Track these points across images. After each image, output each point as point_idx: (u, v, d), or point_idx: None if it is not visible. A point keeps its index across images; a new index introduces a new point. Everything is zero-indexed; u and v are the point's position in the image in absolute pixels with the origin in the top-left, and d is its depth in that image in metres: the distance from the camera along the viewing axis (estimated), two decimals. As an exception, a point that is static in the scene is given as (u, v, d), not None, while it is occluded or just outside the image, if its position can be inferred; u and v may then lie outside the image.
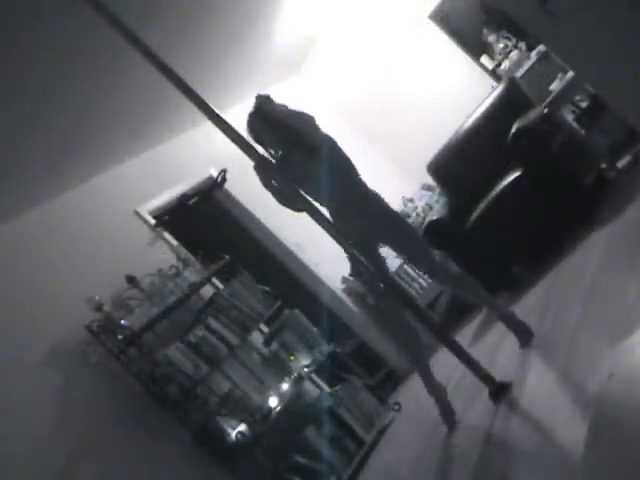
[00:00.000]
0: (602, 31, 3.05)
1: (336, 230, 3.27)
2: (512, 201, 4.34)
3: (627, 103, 3.30)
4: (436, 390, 3.42)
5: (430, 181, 5.57)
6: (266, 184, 3.38)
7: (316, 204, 3.40)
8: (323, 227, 3.26)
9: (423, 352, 3.54)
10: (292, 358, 4.70)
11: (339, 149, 3.50)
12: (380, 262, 3.57)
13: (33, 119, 3.61)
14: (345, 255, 3.39)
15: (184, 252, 4.92)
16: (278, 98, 6.73)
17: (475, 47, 6.06)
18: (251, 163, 3.28)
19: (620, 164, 4.47)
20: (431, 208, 5.81)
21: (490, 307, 3.66)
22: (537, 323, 3.33)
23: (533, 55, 5.73)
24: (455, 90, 6.26)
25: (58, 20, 3.05)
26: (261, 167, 3.28)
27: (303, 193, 3.36)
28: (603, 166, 4.56)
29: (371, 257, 3.39)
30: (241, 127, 3.24)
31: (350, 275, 5.59)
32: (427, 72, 6.51)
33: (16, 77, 3.23)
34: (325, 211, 3.45)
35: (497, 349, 3.56)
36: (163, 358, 4.14)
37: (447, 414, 3.34)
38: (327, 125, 7.03)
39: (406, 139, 6.56)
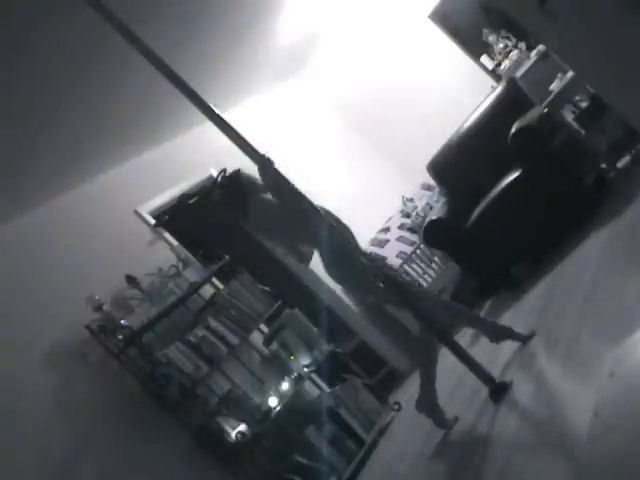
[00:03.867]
0: (602, 31, 3.05)
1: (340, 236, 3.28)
2: (512, 201, 4.34)
3: (627, 103, 3.30)
4: (432, 398, 3.41)
5: (430, 181, 5.57)
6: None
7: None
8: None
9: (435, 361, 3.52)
10: (292, 358, 4.70)
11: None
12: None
13: (34, 120, 3.61)
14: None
15: (184, 252, 4.92)
16: (279, 98, 6.74)
17: (475, 47, 6.06)
18: (251, 164, 3.29)
19: (620, 164, 4.47)
20: (431, 208, 5.81)
21: (481, 327, 3.59)
22: (537, 323, 3.33)
23: (533, 55, 5.73)
24: (455, 90, 6.26)
25: (63, 22, 3.05)
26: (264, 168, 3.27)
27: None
28: (603, 166, 4.56)
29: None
30: (241, 127, 3.24)
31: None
32: (427, 72, 6.51)
33: (19, 78, 3.23)
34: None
35: (497, 349, 3.56)
36: (163, 358, 4.14)
37: (439, 420, 3.36)
38: (327, 125, 7.07)
39: (406, 139, 6.56)
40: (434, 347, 3.43)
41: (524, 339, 3.26)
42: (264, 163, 3.26)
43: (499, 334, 3.38)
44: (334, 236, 3.28)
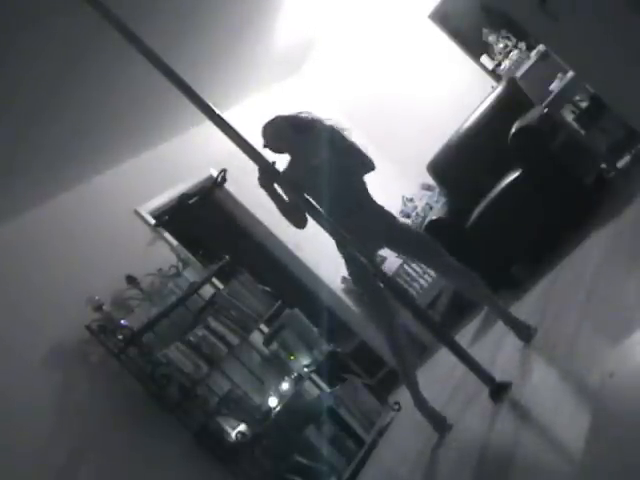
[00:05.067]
0: (602, 31, 3.05)
1: (339, 233, 3.27)
2: (512, 201, 4.34)
3: (627, 103, 3.30)
4: (421, 401, 3.44)
5: (430, 181, 5.57)
6: (268, 188, 3.43)
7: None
8: (326, 229, 3.27)
9: (413, 363, 3.55)
10: (292, 358, 4.69)
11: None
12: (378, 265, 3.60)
13: (33, 119, 3.61)
14: (342, 257, 3.46)
15: (184, 252, 4.92)
16: (278, 98, 6.74)
17: (475, 47, 6.06)
18: (250, 163, 3.29)
19: (620, 164, 4.47)
20: (431, 208, 5.81)
21: (491, 305, 3.64)
22: (537, 323, 3.33)
23: (533, 55, 5.73)
24: (455, 90, 6.26)
25: (58, 20, 3.05)
26: (266, 171, 3.30)
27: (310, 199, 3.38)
28: (603, 166, 4.56)
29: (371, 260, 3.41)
30: (241, 127, 3.24)
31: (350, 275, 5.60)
32: (427, 72, 6.51)
33: (16, 77, 3.23)
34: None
35: (497, 349, 3.56)
36: (163, 358, 4.14)
37: (436, 422, 3.36)
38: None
39: (406, 139, 6.56)
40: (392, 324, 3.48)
41: (527, 336, 3.26)
42: (265, 164, 3.27)
43: (511, 320, 3.39)
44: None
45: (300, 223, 3.51)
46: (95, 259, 4.49)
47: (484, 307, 4.29)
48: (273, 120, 3.57)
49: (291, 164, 3.54)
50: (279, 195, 3.44)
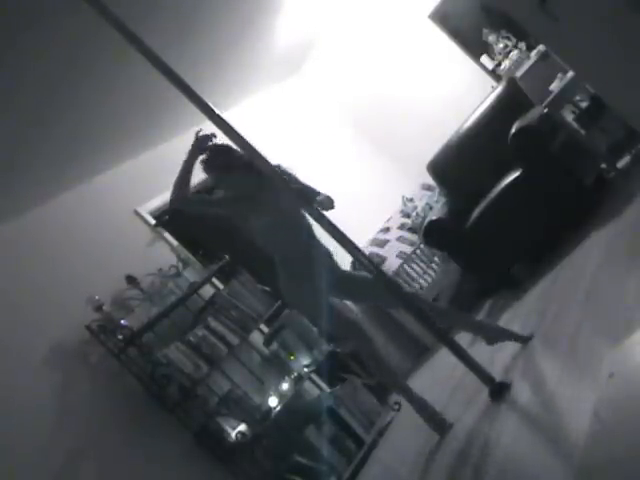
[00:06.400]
0: (602, 31, 3.05)
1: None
2: (512, 201, 4.34)
3: (627, 103, 3.30)
4: (418, 403, 3.45)
5: (430, 181, 5.57)
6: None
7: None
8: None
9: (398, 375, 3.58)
10: (292, 358, 4.70)
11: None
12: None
13: (33, 119, 3.61)
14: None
15: (184, 252, 4.92)
16: (278, 98, 6.74)
17: (475, 47, 6.06)
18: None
19: (620, 164, 4.47)
20: (431, 208, 5.81)
21: (475, 330, 3.64)
22: (537, 323, 3.33)
23: (533, 55, 5.73)
24: (455, 90, 6.26)
25: (59, 20, 3.05)
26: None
27: None
28: (603, 166, 4.56)
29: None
30: (241, 127, 3.24)
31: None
32: (427, 72, 6.51)
33: (16, 77, 3.23)
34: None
35: (497, 349, 3.56)
36: (163, 358, 4.14)
37: (436, 423, 3.36)
38: (326, 125, 7.05)
39: (406, 139, 6.56)
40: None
41: (523, 340, 3.26)
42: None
43: (496, 337, 3.39)
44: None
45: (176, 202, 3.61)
46: (95, 259, 4.50)
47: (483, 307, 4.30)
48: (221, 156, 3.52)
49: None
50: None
